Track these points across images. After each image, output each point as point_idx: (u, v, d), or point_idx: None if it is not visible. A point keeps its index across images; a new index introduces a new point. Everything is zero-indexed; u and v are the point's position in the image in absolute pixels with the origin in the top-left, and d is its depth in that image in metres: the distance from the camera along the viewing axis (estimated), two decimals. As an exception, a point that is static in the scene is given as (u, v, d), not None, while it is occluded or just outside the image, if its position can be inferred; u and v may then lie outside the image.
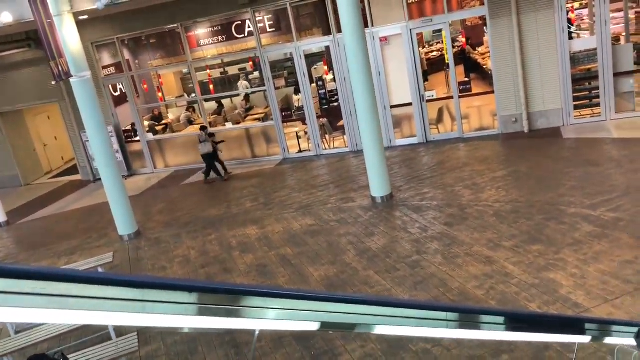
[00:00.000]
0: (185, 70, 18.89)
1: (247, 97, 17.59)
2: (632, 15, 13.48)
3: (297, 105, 15.92)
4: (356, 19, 9.16)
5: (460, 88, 12.57)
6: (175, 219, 11.14)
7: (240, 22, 14.28)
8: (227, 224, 10.33)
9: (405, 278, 7.24)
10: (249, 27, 16.03)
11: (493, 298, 6.48)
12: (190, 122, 17.11)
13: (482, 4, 12.28)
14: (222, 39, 15.09)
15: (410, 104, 12.81)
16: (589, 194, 8.68)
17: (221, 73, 20.12)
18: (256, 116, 16.31)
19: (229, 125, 15.00)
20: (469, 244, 7.79)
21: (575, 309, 6.00)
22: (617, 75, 11.83)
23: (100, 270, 8.10)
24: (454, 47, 14.87)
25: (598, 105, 12.02)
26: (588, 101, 12.27)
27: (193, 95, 18.73)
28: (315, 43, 13.70)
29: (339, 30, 12.53)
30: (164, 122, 17.54)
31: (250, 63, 18.74)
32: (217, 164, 13.22)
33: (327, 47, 13.46)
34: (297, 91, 16.52)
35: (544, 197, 8.92)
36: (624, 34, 13.19)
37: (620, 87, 12.01)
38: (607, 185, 8.87)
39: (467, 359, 5.61)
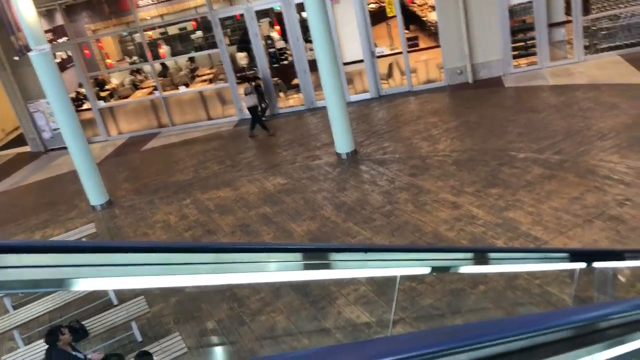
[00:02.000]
0: (125, 33, 18.46)
1: (191, 58, 17.50)
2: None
3: (242, 65, 16.06)
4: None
5: (409, 43, 13.17)
6: (144, 186, 11.34)
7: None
8: (198, 187, 10.67)
9: (382, 227, 7.96)
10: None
11: (464, 238, 7.31)
12: (135, 85, 16.93)
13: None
14: None
15: (361, 61, 13.32)
16: (535, 139, 9.63)
17: (161, 34, 19.77)
18: (204, 77, 16.35)
19: (182, 88, 15.00)
20: (435, 192, 8.57)
21: (536, 242, 6.92)
22: (550, 25, 12.78)
23: (84, 240, 8.34)
24: None
25: (534, 54, 12.98)
26: (525, 51, 13.20)
27: (135, 58, 18.45)
28: (267, 3, 13.82)
29: (289, -10, 12.77)
30: (107, 87, 17.24)
31: (193, 23, 18.52)
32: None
33: (279, 7, 13.63)
34: (240, 49, 16.62)
35: (495, 144, 9.80)
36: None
37: (553, 37, 12.99)
38: (550, 130, 9.84)
39: (448, 292, 6.43)
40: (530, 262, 2.93)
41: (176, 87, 15.71)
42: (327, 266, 2.17)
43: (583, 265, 3.41)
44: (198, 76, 16.73)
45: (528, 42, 13.06)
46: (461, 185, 8.61)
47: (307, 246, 2.37)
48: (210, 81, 15.62)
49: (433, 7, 16.90)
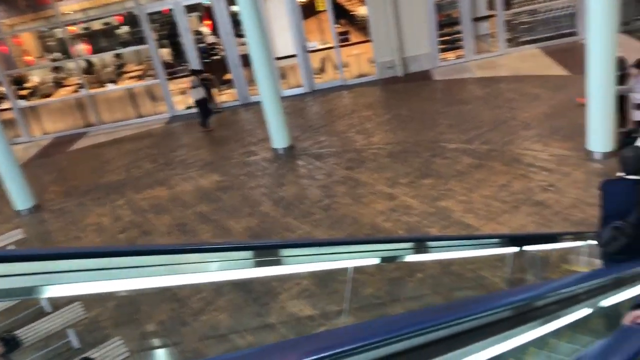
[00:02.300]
0: (44, 29, 17.61)
1: (118, 54, 16.93)
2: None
3: (166, 60, 15.63)
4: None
5: (340, 38, 13.33)
6: (74, 188, 10.92)
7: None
8: (131, 187, 10.39)
9: (321, 220, 8.06)
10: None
11: (400, 228, 7.52)
12: (58, 83, 16.22)
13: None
14: None
15: (294, 56, 13.35)
16: (464, 130, 10.01)
17: (84, 29, 18.99)
18: (133, 74, 15.88)
19: (110, 86, 14.51)
20: (371, 184, 8.76)
21: (469, 229, 7.22)
22: (475, 19, 13.29)
23: (12, 247, 7.97)
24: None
25: (461, 47, 13.46)
26: (452, 44, 13.66)
27: (57, 54, 17.64)
28: (195, -2, 13.59)
29: (219, -15, 12.62)
30: (27, 85, 16.41)
31: (119, 18, 17.90)
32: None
33: (209, 1, 13.42)
34: (169, 45, 16.21)
35: (426, 136, 10.11)
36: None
37: (478, 31, 13.52)
38: (477, 121, 10.26)
39: (388, 281, 6.61)
40: (470, 249, 3.10)
41: (103, 84, 15.19)
42: (282, 262, 2.22)
43: (516, 249, 3.62)
44: (126, 73, 16.24)
45: (454, 36, 13.52)
46: (396, 177, 8.83)
47: (261, 243, 2.40)
48: (139, 78, 15.20)
49: (362, 2, 17.19)
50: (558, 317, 2.01)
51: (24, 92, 15.58)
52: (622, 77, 8.25)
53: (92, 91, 14.14)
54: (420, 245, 2.49)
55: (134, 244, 8.47)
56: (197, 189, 9.79)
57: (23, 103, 14.34)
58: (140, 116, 14.28)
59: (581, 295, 2.04)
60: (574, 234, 5.05)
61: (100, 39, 18.39)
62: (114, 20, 18.42)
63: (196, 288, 7.03)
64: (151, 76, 15.03)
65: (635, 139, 7.58)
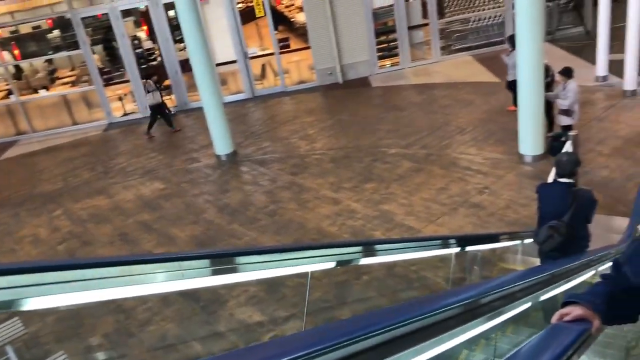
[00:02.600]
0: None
1: (49, 59, 16.36)
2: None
3: (98, 66, 15.20)
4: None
5: (280, 45, 13.43)
6: (6, 199, 10.48)
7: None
8: (69, 197, 10.09)
9: (267, 226, 8.12)
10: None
11: (346, 232, 7.69)
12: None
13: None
14: None
15: (234, 62, 13.34)
16: (403, 135, 10.33)
17: (11, 32, 18.21)
18: (66, 80, 15.39)
19: (42, 92, 14.00)
20: (316, 189, 8.90)
21: (411, 231, 7.48)
22: (410, 28, 13.72)
23: (-60, 263, 7.58)
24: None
25: (397, 55, 13.86)
26: (389, 52, 14.04)
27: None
28: (133, 3, 13.34)
29: (157, -10, 12.47)
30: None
31: (49, 21, 17.29)
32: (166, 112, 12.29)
33: (146, 7, 13.22)
34: (95, 51, 15.78)
35: (367, 141, 10.36)
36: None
37: (413, 39, 13.96)
38: (415, 126, 10.61)
39: (334, 284, 6.75)
40: (419, 250, 3.28)
41: (34, 90, 14.64)
42: (242, 269, 2.29)
43: (458, 249, 3.85)
44: (59, 78, 15.70)
45: (391, 43, 13.91)
46: (339, 182, 9.02)
47: (220, 252, 2.46)
48: (73, 84, 14.75)
49: (301, 9, 17.38)
50: (502, 312, 2.19)
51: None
52: (549, 84, 8.78)
53: (23, 98, 13.60)
54: (374, 248, 2.65)
55: (74, 255, 8.24)
56: (138, 198, 9.62)
57: (-53, 110, 13.61)
58: (76, 123, 13.85)
59: (522, 291, 2.23)
60: (509, 234, 5.36)
61: (29, 43, 17.70)
62: (45, 23, 17.80)
63: (142, 299, 6.92)
64: (86, 82, 14.62)
65: (563, 142, 8.08)
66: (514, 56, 9.91)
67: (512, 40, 10.13)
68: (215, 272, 2.64)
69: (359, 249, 2.60)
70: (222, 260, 2.55)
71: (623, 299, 1.69)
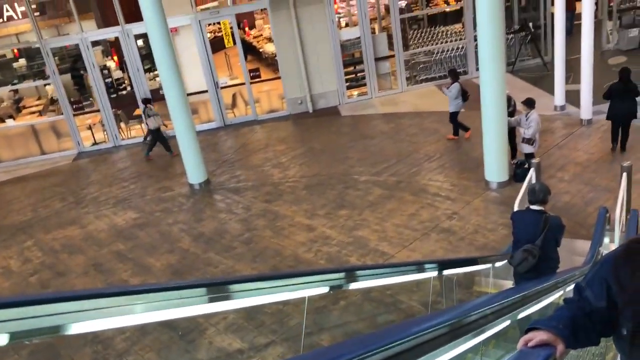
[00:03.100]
0: None
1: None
2: (382, 9, 16.01)
3: (52, 97, 15.07)
4: (159, 12, 9.52)
5: (251, 75, 13.69)
6: (-27, 230, 10.30)
7: None
8: (40, 228, 9.98)
9: (243, 254, 8.23)
10: (7, 10, 14.84)
11: (321, 258, 7.87)
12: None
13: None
14: None
15: (205, 91, 13.51)
16: (373, 163, 10.63)
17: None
18: (32, 109, 15.26)
19: (9, 122, 13.86)
20: (290, 216, 9.07)
21: (384, 256, 7.71)
22: (377, 59, 14.17)
23: None
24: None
25: (365, 85, 14.27)
26: (356, 82, 14.45)
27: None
28: (103, 34, 13.43)
29: (127, 21, 12.62)
30: None
31: (16, 51, 17.17)
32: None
33: (116, 37, 13.32)
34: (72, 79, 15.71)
35: (339, 169, 10.62)
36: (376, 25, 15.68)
37: (380, 69, 14.41)
38: (384, 154, 10.93)
39: (313, 310, 6.89)
40: (405, 274, 3.49)
41: (0, 119, 14.47)
42: (241, 295, 2.44)
43: (435, 273, 4.08)
44: (25, 107, 15.56)
45: (359, 74, 14.33)
46: (313, 209, 9.21)
47: (218, 280, 2.62)
48: (40, 113, 14.64)
49: (269, 39, 17.77)
50: (484, 330, 2.41)
51: None
52: (511, 114, 9.24)
53: (-12, 128, 13.45)
54: (364, 273, 2.84)
55: (48, 286, 8.16)
56: (111, 227, 9.60)
57: None
58: (44, 153, 13.72)
59: (501, 310, 2.46)
60: (482, 258, 5.64)
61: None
62: (9, 52, 17.66)
63: (119, 328, 6.92)
64: (53, 111, 14.55)
65: (526, 169, 8.50)
66: (453, 88, 10.52)
67: (452, 73, 10.82)
68: (212, 300, 2.79)
69: (352, 274, 2.80)
70: (221, 288, 2.71)
71: (585, 323, 1.72)
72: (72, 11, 12.98)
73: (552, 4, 13.05)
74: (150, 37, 9.69)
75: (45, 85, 15.37)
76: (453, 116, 10.91)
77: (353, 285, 2.98)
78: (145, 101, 12.23)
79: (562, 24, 11.23)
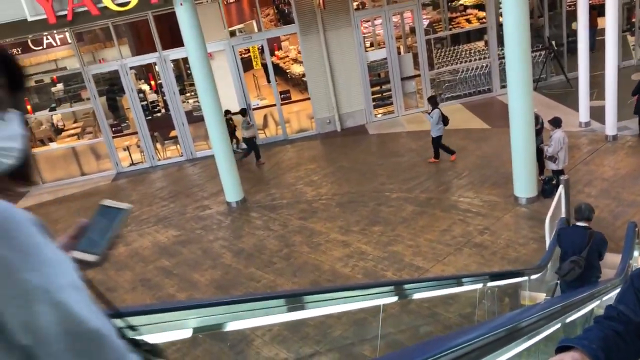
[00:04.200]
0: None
1: (52, 110, 16.91)
2: (407, 29, 16.43)
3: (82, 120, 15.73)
4: (200, 41, 10.06)
5: (282, 96, 14.20)
6: (24, 248, 10.84)
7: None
8: (87, 245, 10.48)
9: (283, 269, 8.62)
10: (47, 38, 15.56)
11: (358, 273, 8.23)
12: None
13: (277, 15, 14.05)
14: (18, 51, 14.63)
15: (239, 113, 14.00)
16: (403, 180, 10.98)
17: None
18: (71, 132, 15.93)
19: (53, 145, 14.53)
20: (326, 233, 9.45)
21: (419, 270, 8.04)
22: (403, 79, 14.59)
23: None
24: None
25: (391, 104, 14.67)
26: (383, 101, 14.85)
27: None
28: (142, 60, 14.07)
29: (165, 47, 13.23)
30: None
31: (54, 77, 17.95)
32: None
33: (154, 63, 13.95)
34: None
35: (370, 186, 10.99)
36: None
37: (406, 88, 14.82)
38: (414, 171, 11.29)
39: (353, 322, 7.24)
40: (461, 285, 3.84)
41: (41, 142, 15.15)
42: (328, 304, 2.83)
43: (480, 285, 4.42)
44: (64, 130, 16.24)
45: (385, 93, 14.74)
46: (348, 225, 9.59)
47: (312, 290, 3.01)
48: (78, 136, 15.29)
49: (295, 60, 18.30)
50: (538, 333, 2.76)
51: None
52: (539, 131, 9.55)
53: (36, 150, 14.08)
54: (428, 284, 3.20)
55: (97, 301, 8.61)
56: (155, 244, 10.08)
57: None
58: (84, 174, 14.33)
59: (550, 316, 2.80)
60: (528, 270, 6.01)
61: (32, 96, 18.29)
62: (47, 77, 18.44)
63: (171, 341, 7.32)
64: (90, 133, 15.19)
65: (554, 185, 8.80)
66: (435, 114, 10.99)
67: (432, 100, 11.47)
68: (291, 310, 3.18)
69: (421, 285, 3.17)
70: (299, 299, 3.11)
71: (618, 343, 1.63)
72: (104, 38, 13.67)
73: (575, 20, 13.35)
74: (191, 64, 10.23)
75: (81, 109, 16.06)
76: (436, 140, 11.32)
77: (416, 295, 3.34)
78: (243, 112, 13.08)
79: (586, 40, 11.50)
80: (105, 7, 9.52)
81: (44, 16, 9.40)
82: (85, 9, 9.46)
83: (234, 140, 13.35)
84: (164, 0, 10.56)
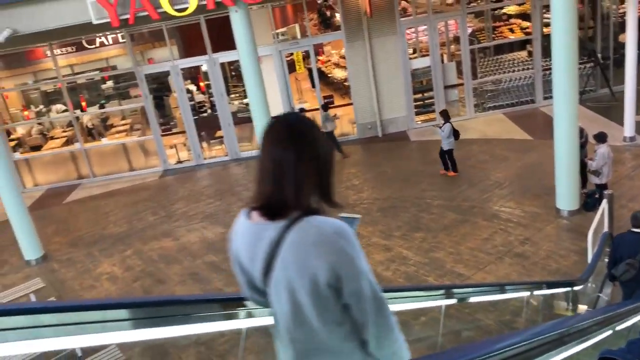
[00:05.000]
0: (29, 82, 18.13)
1: (102, 106, 17.59)
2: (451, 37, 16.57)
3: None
4: (252, 45, 10.43)
5: (325, 101, 14.51)
6: (79, 239, 11.41)
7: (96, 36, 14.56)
8: (137, 238, 10.98)
9: (327, 270, 8.89)
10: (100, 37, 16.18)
11: (400, 277, 8.46)
12: (44, 135, 16.71)
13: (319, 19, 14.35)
14: (72, 49, 15.31)
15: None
16: (444, 187, 11.16)
17: (68, 83, 19.58)
18: (120, 128, 16.55)
19: (104, 140, 15.16)
20: (367, 236, 9.71)
21: (460, 277, 8.22)
22: (446, 87, 14.75)
23: (32, 296, 8.43)
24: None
25: (433, 111, 14.83)
26: (425, 108, 15.03)
27: (42, 107, 18.11)
28: (193, 62, 14.57)
29: (214, 50, 13.69)
30: (12, 137, 16.81)
31: (106, 75, 18.65)
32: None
33: (202, 65, 14.45)
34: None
35: (411, 192, 11.20)
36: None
37: (448, 97, 14.97)
38: (455, 180, 11.44)
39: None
40: (511, 292, 4.07)
41: (92, 137, 15.81)
42: (400, 301, 3.09)
43: (528, 293, 4.62)
44: (113, 126, 16.89)
45: (427, 101, 14.92)
46: (389, 230, 9.83)
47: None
48: (126, 132, 15.90)
49: (336, 65, 18.60)
50: (594, 336, 2.99)
51: (11, 144, 15.99)
52: (583, 145, 9.62)
53: (88, 145, 14.73)
54: (485, 289, 3.44)
55: (150, 292, 9.07)
56: (202, 240, 10.49)
57: (17, 156, 14.76)
58: (133, 169, 14.91)
59: (606, 321, 3.02)
60: (578, 281, 6.22)
61: (82, 92, 19.03)
62: (97, 75, 19.15)
63: (219, 332, 7.68)
64: (138, 130, 15.78)
65: (596, 199, 8.88)
66: (446, 128, 11.10)
67: (444, 114, 11.55)
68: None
69: (482, 289, 3.42)
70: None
71: None
72: (154, 39, 14.19)
73: (623, 32, 13.28)
74: (243, 67, 10.60)
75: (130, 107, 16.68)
76: (448, 153, 11.49)
77: (473, 299, 3.59)
78: (325, 107, 13.49)
79: (633, 53, 11.46)
80: (165, 12, 9.96)
81: (108, 20, 9.90)
82: (146, 13, 9.92)
83: None
84: (218, 5, 10.98)
